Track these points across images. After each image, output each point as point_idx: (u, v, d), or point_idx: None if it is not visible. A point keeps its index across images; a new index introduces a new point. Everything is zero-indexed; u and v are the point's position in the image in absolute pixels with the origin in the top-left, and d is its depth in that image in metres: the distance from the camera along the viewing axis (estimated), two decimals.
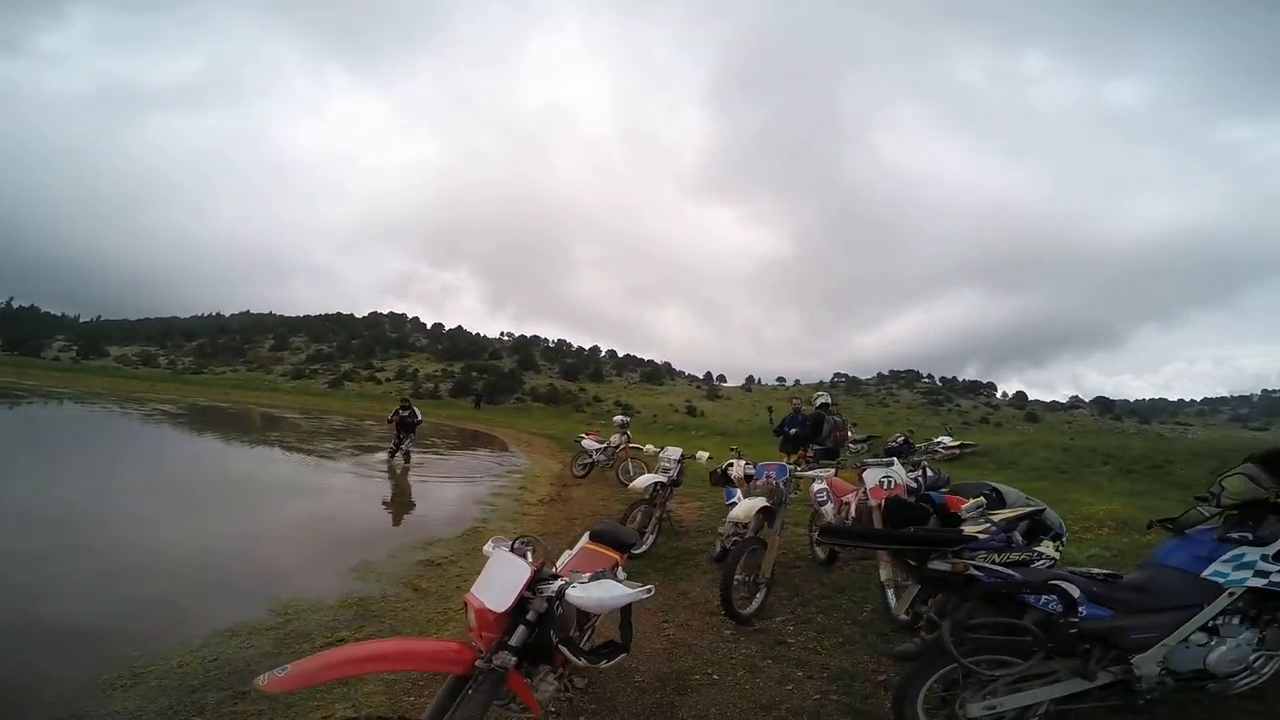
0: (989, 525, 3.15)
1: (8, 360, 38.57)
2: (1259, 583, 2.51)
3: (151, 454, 12.81)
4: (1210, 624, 2.52)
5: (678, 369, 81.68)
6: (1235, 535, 2.56)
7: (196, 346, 60.62)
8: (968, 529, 3.05)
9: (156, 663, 3.43)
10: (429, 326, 76.82)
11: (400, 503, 9.25)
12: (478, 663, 2.07)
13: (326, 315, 76.23)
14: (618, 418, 12.14)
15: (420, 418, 13.02)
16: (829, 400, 9.26)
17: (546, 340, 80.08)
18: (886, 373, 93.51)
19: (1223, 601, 2.50)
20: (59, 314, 73.78)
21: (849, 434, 9.33)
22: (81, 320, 73.79)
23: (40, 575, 4.78)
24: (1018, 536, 3.26)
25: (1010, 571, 2.55)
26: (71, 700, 3.03)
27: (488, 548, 2.51)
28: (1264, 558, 2.52)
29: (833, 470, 5.15)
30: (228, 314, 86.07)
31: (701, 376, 79.66)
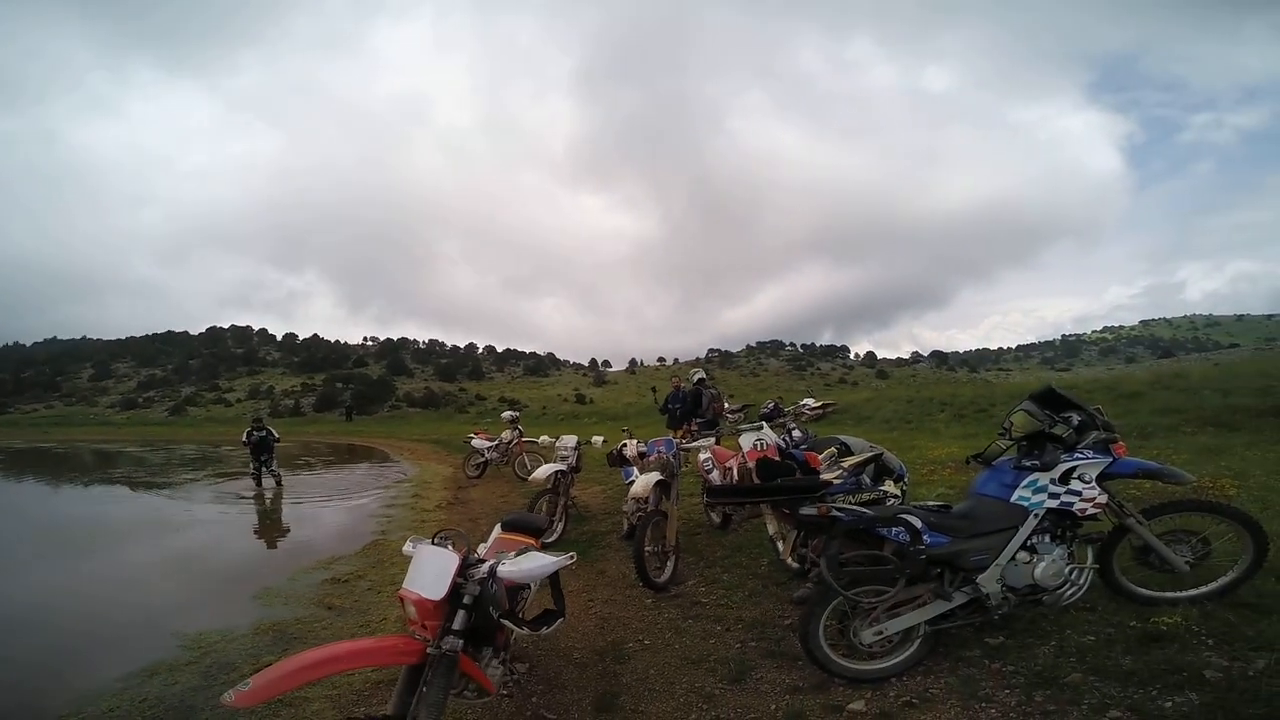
0: (841, 471, 3.66)
1: None
2: (1054, 503, 2.88)
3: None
4: (1028, 543, 2.92)
5: (562, 359, 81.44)
6: (1027, 464, 2.96)
7: None
8: (824, 476, 3.53)
9: (84, 709, 3.34)
10: (280, 338, 70.16)
11: (285, 526, 8.70)
12: (429, 650, 2.18)
13: (155, 335, 67.37)
14: (506, 413, 12.06)
15: (277, 436, 12.16)
16: (704, 376, 9.96)
17: (417, 342, 76.34)
18: (754, 344, 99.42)
19: (1031, 523, 2.91)
20: None
21: (725, 405, 10.05)
22: None
23: None
24: (866, 479, 3.80)
25: (864, 509, 2.99)
26: None
27: (408, 547, 2.58)
28: (1051, 481, 2.87)
29: (714, 439, 5.60)
30: (29, 343, 73.27)
31: (587, 364, 79.99)
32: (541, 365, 74.29)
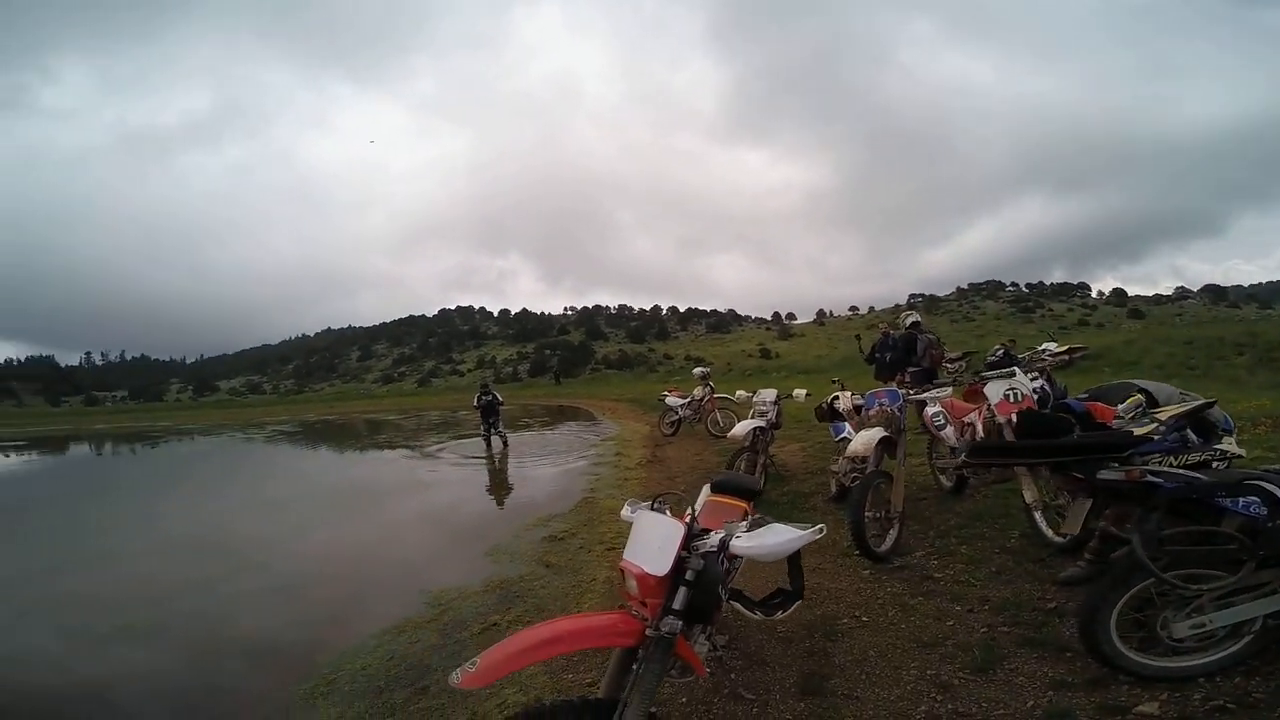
0: (1156, 425, 2.82)
1: (138, 407, 42.64)
2: None
3: (284, 470, 13.92)
4: None
5: (743, 314, 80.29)
6: None
7: (293, 369, 65.05)
8: (1137, 430, 2.74)
9: (343, 667, 3.66)
10: (496, 314, 78.78)
11: (510, 485, 9.59)
12: (647, 631, 2.02)
13: (401, 320, 79.84)
14: (697, 370, 12.01)
15: (501, 400, 13.24)
16: (919, 319, 8.78)
17: (608, 308, 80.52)
18: (965, 286, 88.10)
19: None
20: (168, 359, 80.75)
21: (944, 352, 8.83)
22: (188, 362, 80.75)
23: (222, 597, 5.20)
24: (1191, 435, 2.91)
25: (1194, 474, 2.28)
26: (284, 713, 3.26)
27: (626, 511, 2.46)
28: None
29: (949, 390, 4.83)
30: (312, 334, 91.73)
31: (770, 318, 77.96)
32: (723, 322, 73.95)
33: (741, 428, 6.30)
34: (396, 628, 4.17)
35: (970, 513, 4.69)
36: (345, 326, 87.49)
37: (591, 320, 72.97)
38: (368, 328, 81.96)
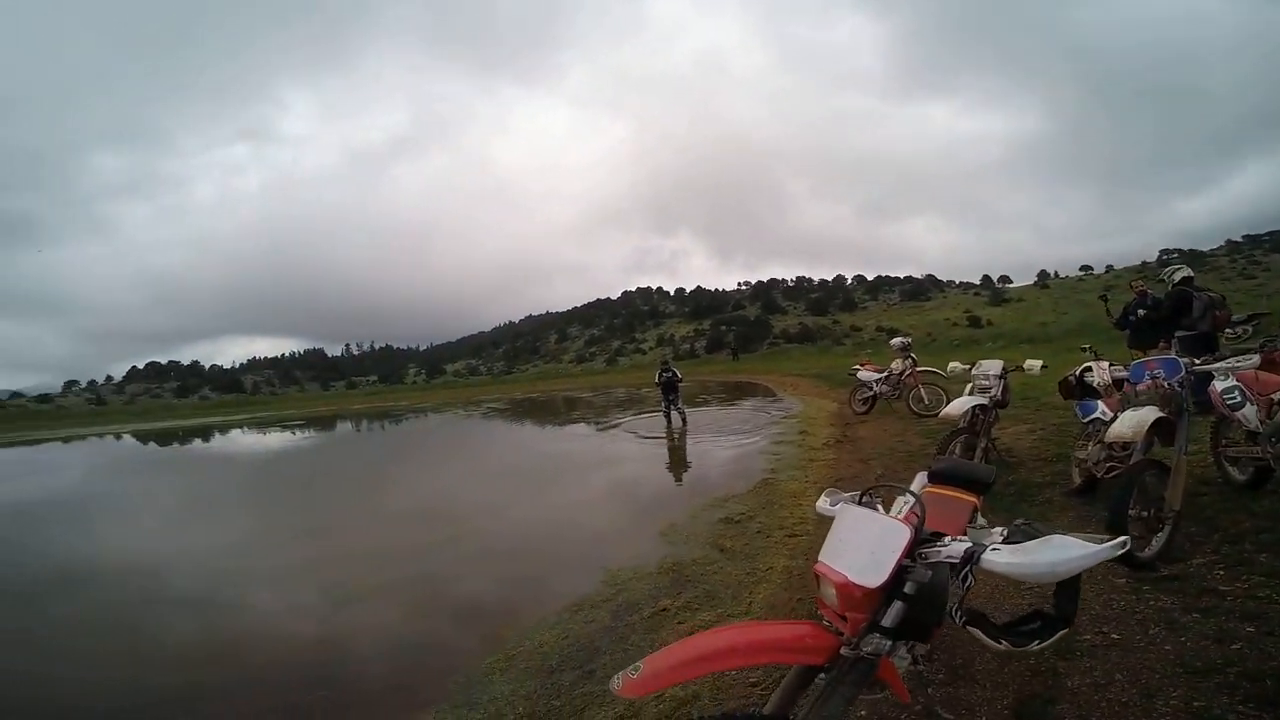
0: None
1: (385, 389, 50.78)
2: None
3: (493, 444, 15.53)
4: None
5: (944, 279, 71.92)
6: None
7: (502, 352, 72.80)
8: None
9: (524, 643, 3.83)
10: (672, 293, 79.93)
11: (688, 462, 9.55)
12: (843, 650, 1.68)
13: (589, 303, 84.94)
14: (895, 340, 10.82)
15: (681, 377, 13.23)
16: (1190, 274, 6.84)
17: (784, 281, 77.17)
18: (1240, 238, 69.13)
19: None
20: (406, 347, 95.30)
21: (1230, 313, 6.80)
22: (422, 349, 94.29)
23: (441, 561, 5.83)
24: None
25: None
26: (465, 685, 3.42)
27: (824, 504, 2.11)
28: None
29: (1253, 360, 3.62)
30: (517, 320, 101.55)
31: (978, 281, 68.88)
32: (920, 289, 66.91)
33: (957, 405, 5.46)
34: (575, 605, 4.28)
35: (1272, 513, 3.59)
36: (544, 312, 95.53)
37: (767, 294, 70.76)
38: (562, 312, 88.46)
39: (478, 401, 30.50)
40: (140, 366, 57.81)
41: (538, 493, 8.56)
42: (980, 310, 51.60)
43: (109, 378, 55.24)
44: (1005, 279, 67.69)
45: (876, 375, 11.03)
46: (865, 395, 11.27)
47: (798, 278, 76.82)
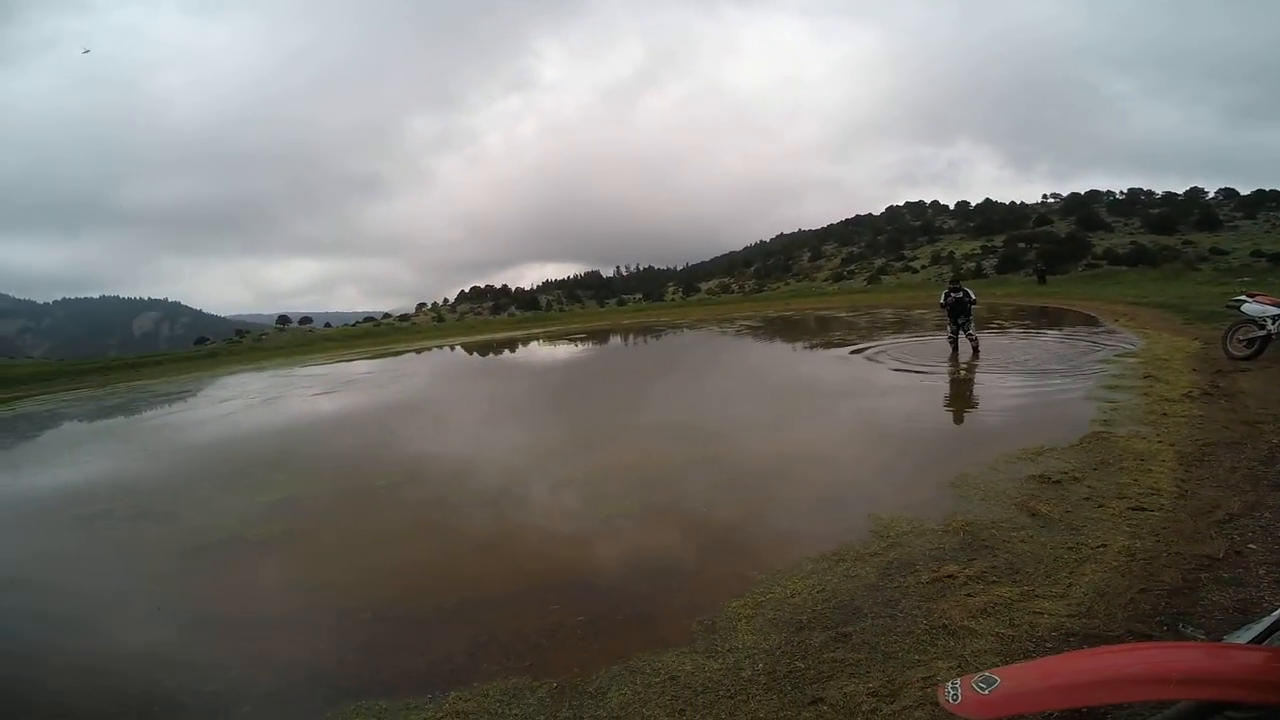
0: None
1: (649, 306, 54.65)
2: None
3: (752, 363, 15.49)
4: None
5: None
6: None
7: (754, 270, 72.03)
8: None
9: (774, 589, 3.54)
10: (952, 207, 68.98)
11: (982, 401, 8.26)
12: None
13: (847, 220, 78.22)
14: None
15: (974, 298, 11.42)
16: None
17: (1112, 193, 60.64)
18: None
19: None
20: (665, 267, 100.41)
21: None
22: (679, 269, 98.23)
23: (695, 486, 5.75)
24: None
25: None
26: (708, 629, 3.19)
27: None
28: None
29: None
30: (768, 239, 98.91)
31: None
32: None
33: None
34: (835, 554, 3.88)
35: None
36: (795, 230, 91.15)
37: (1085, 207, 56.57)
38: (815, 230, 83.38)
39: (730, 319, 30.87)
40: (466, 290, 70.88)
41: (797, 419, 8.20)
42: None
43: (445, 300, 69.08)
44: None
45: (1276, 310, 8.09)
46: (1250, 335, 8.43)
47: (1131, 190, 59.88)
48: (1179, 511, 4.02)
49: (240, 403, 15.52)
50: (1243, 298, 8.79)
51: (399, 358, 25.56)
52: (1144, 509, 4.09)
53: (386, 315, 63.56)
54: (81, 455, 10.58)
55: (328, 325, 58.57)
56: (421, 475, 7.08)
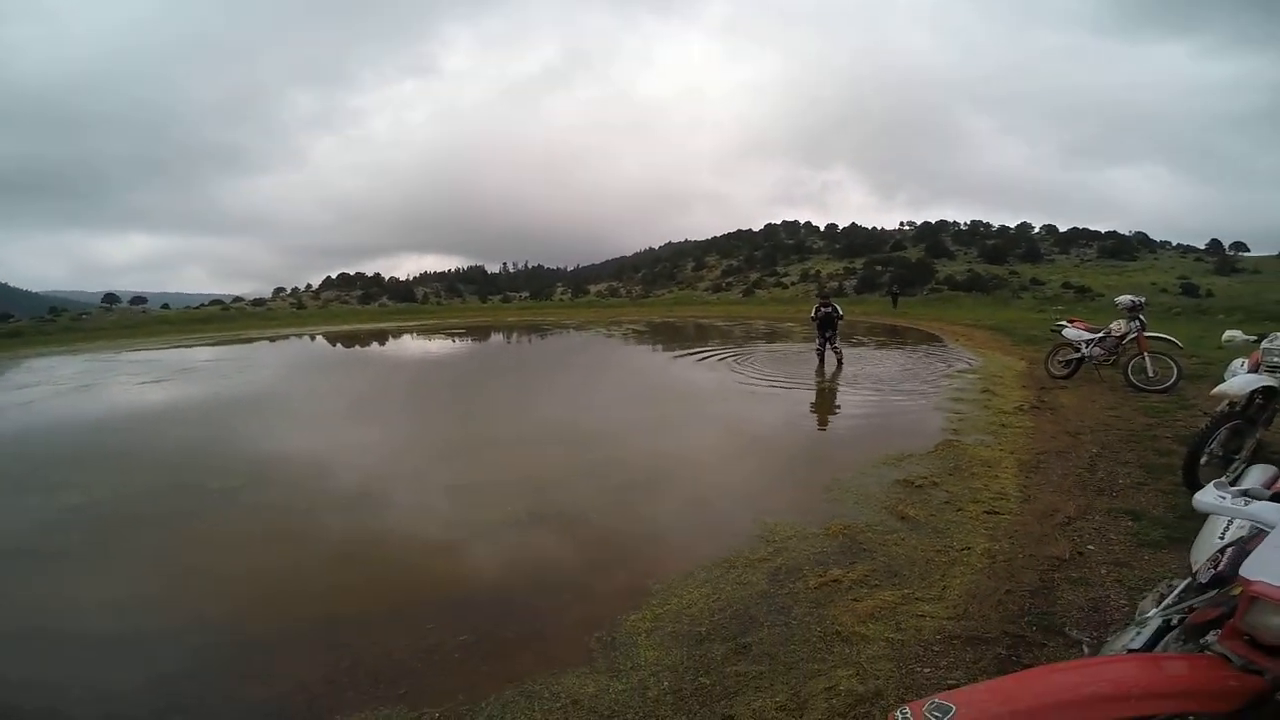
0: None
1: (535, 305, 53.52)
2: None
3: (637, 367, 15.42)
4: None
5: (1158, 239, 60.10)
6: None
7: (641, 276, 73.18)
8: None
9: (670, 600, 3.41)
10: (822, 228, 74.65)
11: (849, 410, 8.80)
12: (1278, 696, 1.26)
13: (729, 234, 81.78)
14: (1124, 298, 9.03)
15: (842, 314, 12.37)
16: None
17: (957, 223, 68.86)
18: None
19: None
20: (554, 267, 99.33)
21: None
22: (569, 270, 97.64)
23: (585, 492, 5.47)
24: None
25: None
26: (607, 646, 3.01)
27: (1213, 498, 1.56)
28: None
29: None
30: (656, 246, 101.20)
31: (1203, 245, 56.91)
32: (1125, 247, 56.51)
33: (1239, 384, 4.30)
34: (726, 561, 3.86)
35: None
36: (682, 240, 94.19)
37: (934, 235, 63.72)
38: (700, 241, 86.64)
39: (618, 321, 31.00)
40: (333, 277, 65.29)
41: (678, 423, 8.22)
42: (1200, 278, 42.93)
43: (308, 285, 63.18)
44: (1240, 245, 55.16)
45: (1089, 335, 9.39)
46: (1068, 358, 9.72)
47: (973, 221, 68.15)
48: (1025, 515, 4.43)
49: (45, 389, 13.01)
50: (1063, 323, 10.14)
51: (249, 345, 22.90)
52: (997, 512, 4.47)
53: (238, 299, 56.91)
54: None
55: (165, 307, 51.32)
56: (266, 478, 6.24)
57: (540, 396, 11.21)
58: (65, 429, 9.05)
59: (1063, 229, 61.36)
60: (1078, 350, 9.47)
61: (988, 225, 66.55)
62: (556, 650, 3.01)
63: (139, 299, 52.47)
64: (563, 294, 66.32)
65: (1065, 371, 9.69)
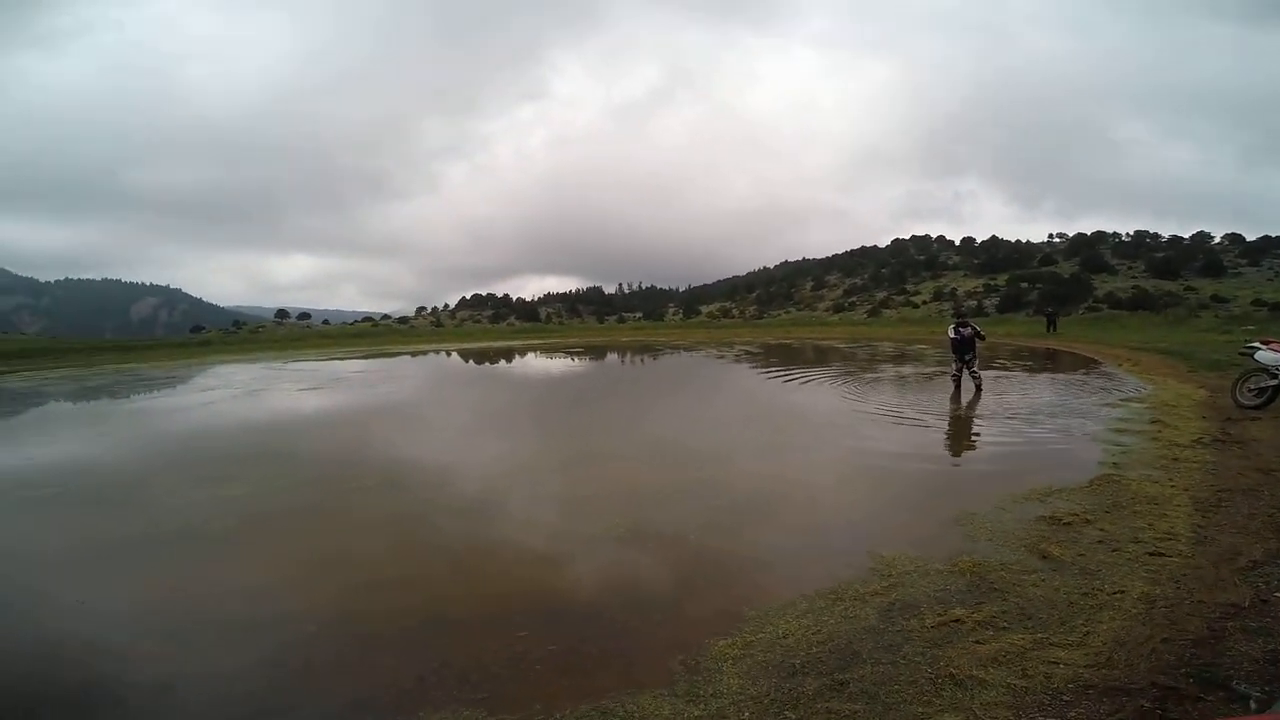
0: None
1: (649, 325, 54.51)
2: None
3: (750, 387, 15.11)
4: None
5: None
6: None
7: (755, 296, 71.94)
8: None
9: (764, 629, 3.22)
10: (957, 242, 69.12)
11: (987, 439, 7.96)
12: None
13: (852, 250, 78.35)
14: None
15: (983, 335, 11.26)
16: None
17: (1117, 235, 60.76)
18: None
19: None
20: (668, 287, 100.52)
21: None
22: (680, 290, 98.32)
23: (687, 511, 5.33)
24: None
25: None
26: (689, 670, 2.87)
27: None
28: None
29: None
30: (771, 265, 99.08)
31: None
32: None
33: None
34: (833, 592, 3.56)
35: None
36: (800, 259, 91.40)
37: (1090, 248, 56.79)
38: (819, 259, 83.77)
39: (730, 343, 30.64)
40: (467, 297, 70.91)
41: (793, 447, 7.86)
42: None
43: (445, 305, 69.06)
44: None
45: None
46: (1264, 384, 8.21)
47: (1136, 232, 60.01)
48: (1198, 557, 3.79)
49: (223, 392, 15.18)
50: (1256, 345, 8.57)
51: (393, 359, 25.24)
52: (1161, 554, 3.87)
53: (385, 316, 63.32)
54: (49, 435, 10.23)
55: (325, 322, 58.34)
56: (397, 481, 6.72)
57: (650, 415, 11.27)
58: (235, 428, 10.41)
59: (1250, 238, 52.42)
60: (1275, 376, 7.95)
61: (1155, 236, 58.38)
62: (638, 670, 2.91)
63: (304, 315, 59.88)
64: (675, 314, 66.90)
65: (1258, 401, 8.17)
